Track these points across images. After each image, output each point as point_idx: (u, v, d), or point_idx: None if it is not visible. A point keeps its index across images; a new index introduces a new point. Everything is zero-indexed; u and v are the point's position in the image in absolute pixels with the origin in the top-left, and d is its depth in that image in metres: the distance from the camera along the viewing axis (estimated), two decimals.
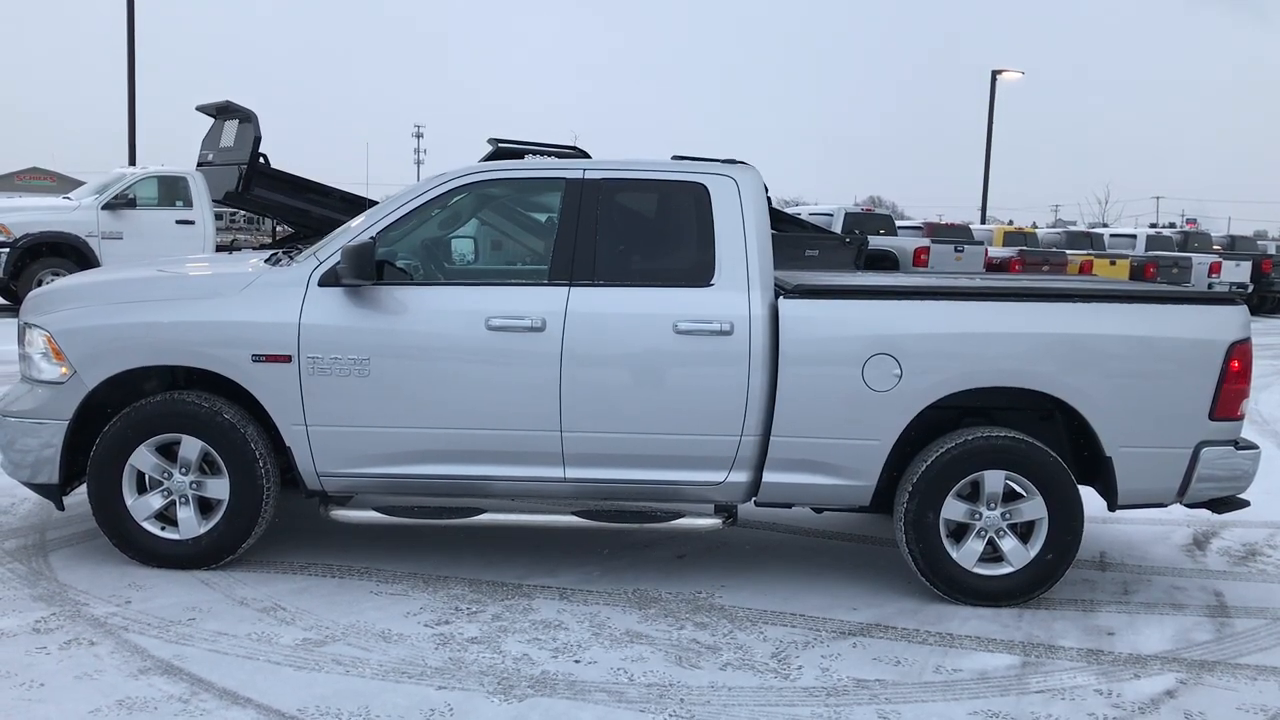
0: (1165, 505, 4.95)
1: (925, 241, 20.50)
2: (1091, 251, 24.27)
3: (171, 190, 15.55)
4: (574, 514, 4.83)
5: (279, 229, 16.63)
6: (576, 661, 4.08)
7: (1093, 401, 4.68)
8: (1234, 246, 27.98)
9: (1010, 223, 39.61)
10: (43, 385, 4.84)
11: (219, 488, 4.79)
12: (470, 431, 4.73)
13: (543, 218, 5.66)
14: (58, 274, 14.09)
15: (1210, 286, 23.09)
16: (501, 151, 12.17)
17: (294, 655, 4.03)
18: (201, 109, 14.57)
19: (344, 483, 4.85)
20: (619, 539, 5.58)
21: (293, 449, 4.78)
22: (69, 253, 14.72)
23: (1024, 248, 23.20)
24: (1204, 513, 5.11)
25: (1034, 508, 4.72)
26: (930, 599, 4.84)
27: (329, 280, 4.74)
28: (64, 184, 49.74)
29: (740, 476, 4.78)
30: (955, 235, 22.62)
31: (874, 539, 5.82)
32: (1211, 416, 4.72)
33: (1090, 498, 4.90)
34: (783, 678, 4.01)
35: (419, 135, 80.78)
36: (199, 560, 4.84)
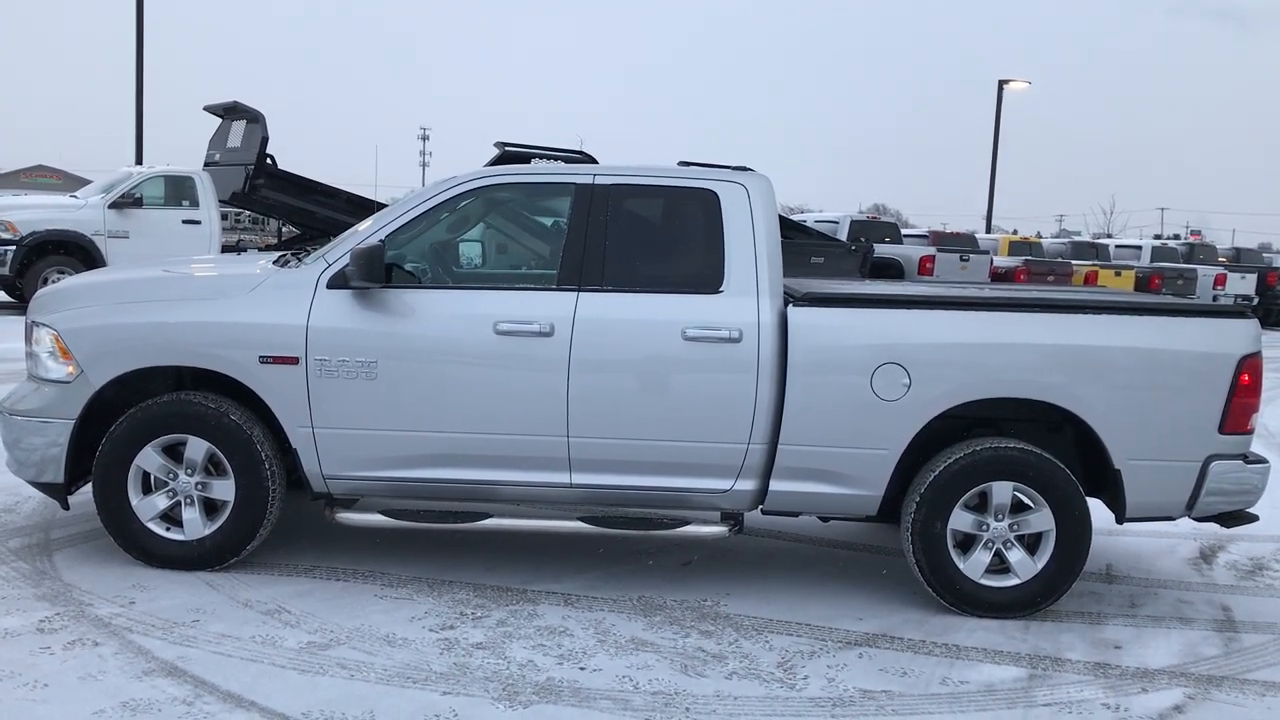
0: (1173, 519, 4.93)
1: (930, 250, 20.49)
2: (1097, 262, 24.22)
3: (178, 190, 15.59)
4: (579, 520, 4.82)
5: (284, 230, 16.66)
6: (581, 668, 4.06)
7: (1101, 413, 4.66)
8: (1239, 259, 27.93)
9: (1015, 232, 39.54)
10: (49, 384, 4.83)
11: (224, 489, 4.78)
12: (477, 436, 4.72)
13: (551, 222, 5.65)
14: (63, 272, 14.10)
15: (1215, 298, 23.03)
16: (508, 155, 12.18)
17: (298, 658, 4.02)
18: (209, 109, 14.63)
19: (350, 485, 4.84)
20: (624, 545, 5.56)
21: (299, 451, 4.76)
22: (75, 251, 14.74)
23: (1029, 257, 23.18)
24: (1211, 526, 5.09)
25: (1042, 519, 4.71)
26: (936, 610, 4.82)
27: (337, 282, 4.73)
28: (70, 182, 49.84)
29: (747, 484, 4.77)
30: (960, 244, 22.59)
31: (880, 549, 5.80)
32: (1221, 430, 4.71)
33: (1097, 510, 4.89)
34: (789, 687, 3.99)
35: (424, 138, 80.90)
36: (203, 561, 4.83)
